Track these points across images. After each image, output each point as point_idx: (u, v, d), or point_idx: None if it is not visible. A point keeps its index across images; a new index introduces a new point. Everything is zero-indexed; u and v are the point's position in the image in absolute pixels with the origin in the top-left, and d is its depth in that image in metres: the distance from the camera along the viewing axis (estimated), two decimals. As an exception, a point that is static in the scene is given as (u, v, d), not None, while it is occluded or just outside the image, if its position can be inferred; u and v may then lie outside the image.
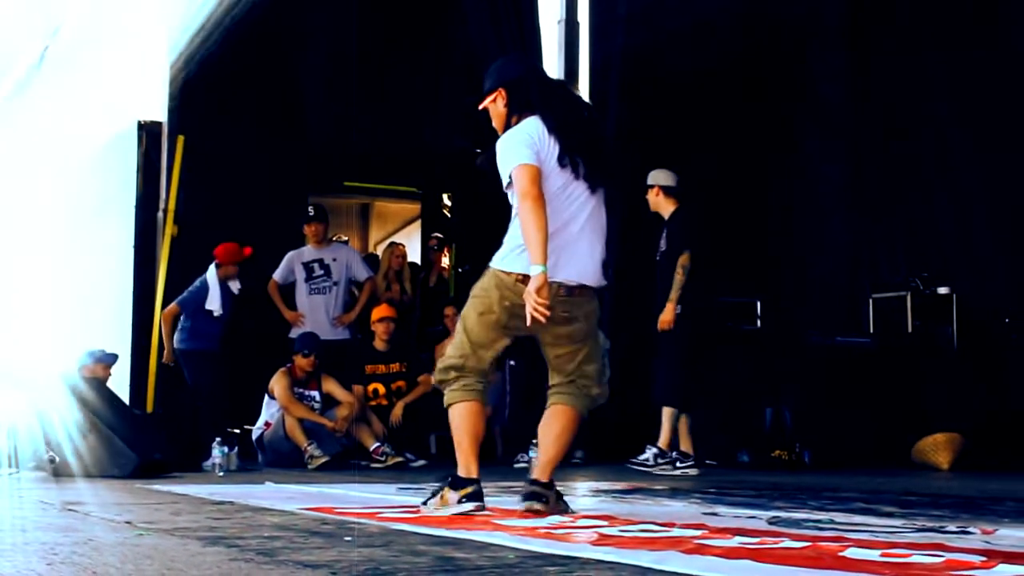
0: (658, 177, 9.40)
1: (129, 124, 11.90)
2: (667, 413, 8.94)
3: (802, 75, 12.72)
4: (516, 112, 5.07)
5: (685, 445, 9.00)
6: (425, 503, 5.07)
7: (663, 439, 8.91)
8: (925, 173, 11.57)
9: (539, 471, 5.01)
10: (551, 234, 4.76)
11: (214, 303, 10.24)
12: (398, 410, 10.14)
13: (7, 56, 13.70)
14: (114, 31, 11.26)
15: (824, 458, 10.03)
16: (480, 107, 5.21)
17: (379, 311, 10.57)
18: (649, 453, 8.90)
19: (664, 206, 9.27)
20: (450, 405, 5.02)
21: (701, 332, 9.24)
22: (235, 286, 10.41)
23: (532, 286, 4.64)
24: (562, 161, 4.89)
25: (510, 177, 4.84)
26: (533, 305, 4.62)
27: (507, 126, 5.06)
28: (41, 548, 3.55)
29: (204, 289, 10.25)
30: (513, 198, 4.92)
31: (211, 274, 10.28)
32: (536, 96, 5.06)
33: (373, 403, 10.20)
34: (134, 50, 12.66)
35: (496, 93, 5.14)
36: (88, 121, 14.06)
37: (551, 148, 4.90)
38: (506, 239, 4.96)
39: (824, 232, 12.50)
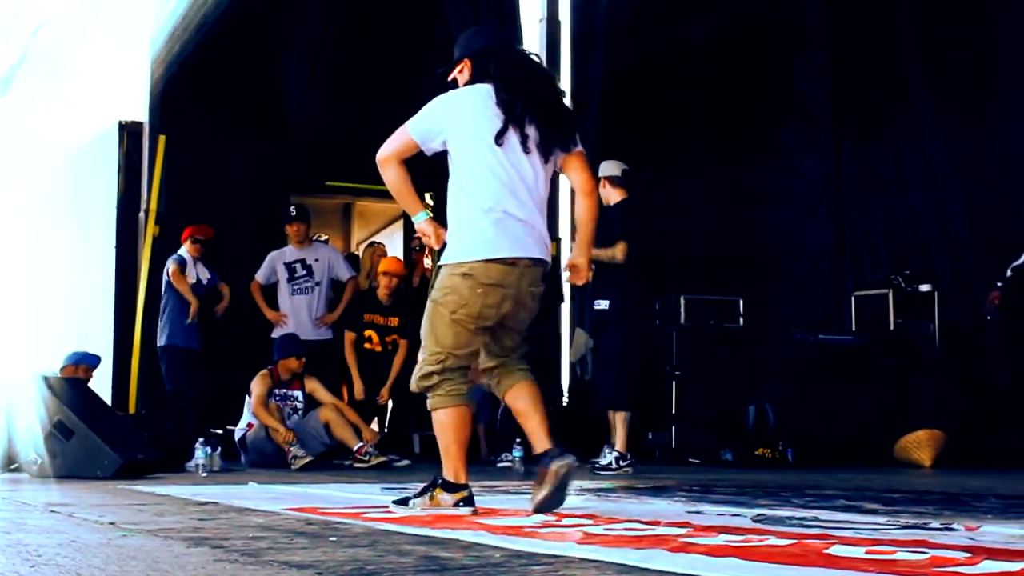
0: (604, 168, 9.42)
1: (110, 124, 11.88)
2: (619, 417, 8.94)
3: (782, 72, 12.74)
4: (479, 82, 5.03)
5: (623, 445, 8.99)
6: (405, 502, 5.02)
7: (620, 443, 8.91)
8: (906, 171, 11.61)
9: (543, 441, 4.97)
10: (492, 207, 4.84)
11: (190, 270, 10.25)
12: (385, 392, 10.30)
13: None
14: (95, 31, 11.21)
15: (807, 456, 10.06)
16: (448, 78, 5.18)
17: (385, 263, 10.66)
18: (610, 457, 8.90)
19: (615, 196, 9.23)
20: (435, 410, 4.96)
21: (639, 332, 9.27)
22: (203, 274, 10.39)
23: (429, 228, 5.01)
24: (499, 138, 4.87)
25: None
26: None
27: None
28: (24, 550, 3.53)
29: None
30: (448, 153, 5.02)
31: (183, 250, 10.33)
32: (494, 66, 5.01)
33: (367, 347, 10.30)
34: (115, 50, 12.63)
35: (463, 63, 5.12)
36: (69, 121, 14.02)
37: (491, 119, 4.89)
38: (450, 233, 5.00)
39: (806, 230, 12.54)
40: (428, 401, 4.99)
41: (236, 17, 11.84)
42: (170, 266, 10.29)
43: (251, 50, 11.88)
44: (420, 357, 5.01)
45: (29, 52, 12.23)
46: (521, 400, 5.06)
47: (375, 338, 10.35)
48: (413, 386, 5.04)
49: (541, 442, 4.96)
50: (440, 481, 5.01)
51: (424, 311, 5.02)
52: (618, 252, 8.87)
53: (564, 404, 12.00)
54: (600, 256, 8.70)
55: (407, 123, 5.00)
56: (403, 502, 5.06)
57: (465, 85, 5.07)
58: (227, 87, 11.66)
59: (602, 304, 9.02)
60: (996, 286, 10.11)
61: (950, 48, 11.12)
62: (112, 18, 11.92)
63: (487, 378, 5.17)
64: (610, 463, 8.85)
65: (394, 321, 10.43)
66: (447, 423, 4.95)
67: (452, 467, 4.98)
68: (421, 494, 5.03)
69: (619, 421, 8.93)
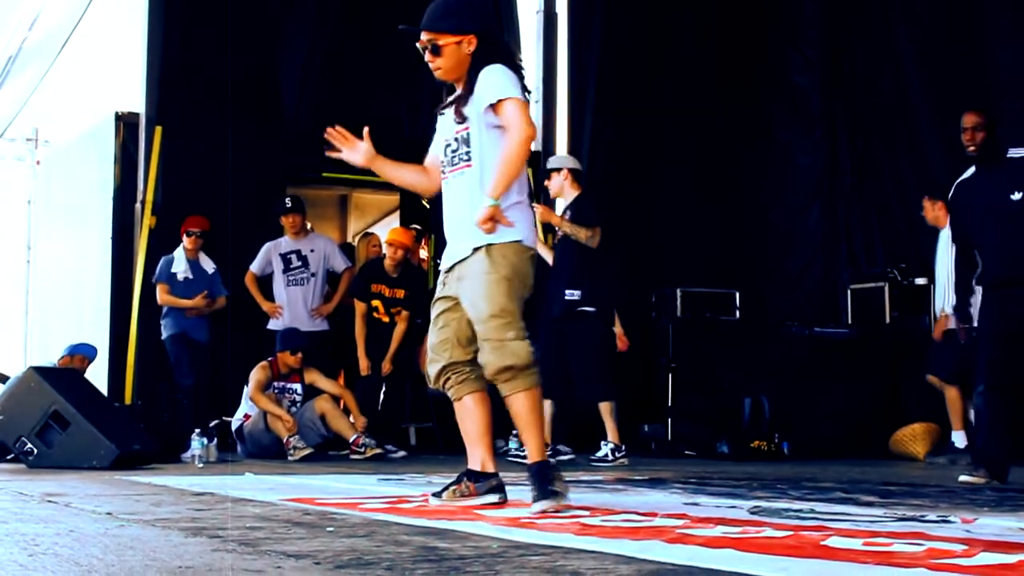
0: (566, 161, 9.43)
1: (106, 115, 11.86)
2: (606, 409, 8.95)
3: (777, 66, 12.75)
4: (484, 65, 4.79)
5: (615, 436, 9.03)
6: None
7: (611, 434, 8.94)
8: (901, 164, 11.62)
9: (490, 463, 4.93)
10: (524, 200, 4.77)
11: (179, 265, 10.25)
12: (387, 364, 10.23)
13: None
14: (92, 23, 11.21)
15: (802, 448, 10.08)
16: (440, 43, 4.80)
17: (392, 233, 10.71)
18: (606, 449, 8.93)
19: (570, 191, 9.22)
20: (530, 389, 4.66)
21: (611, 325, 9.32)
22: (208, 265, 10.40)
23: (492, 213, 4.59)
24: None
25: (493, 103, 4.67)
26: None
27: (469, 76, 4.79)
28: (22, 539, 3.54)
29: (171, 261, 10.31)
30: (483, 122, 4.74)
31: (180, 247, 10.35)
32: (506, 57, 4.85)
33: (374, 316, 10.32)
34: (111, 41, 12.63)
35: (467, 37, 4.81)
36: (65, 112, 14.02)
37: None
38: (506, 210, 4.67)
39: (802, 223, 12.56)
40: (529, 380, 4.67)
41: (233, 7, 11.84)
42: (157, 290, 10.37)
43: (248, 41, 11.86)
44: (507, 334, 4.62)
45: (25, 44, 12.22)
46: (484, 411, 4.92)
47: (381, 308, 10.33)
48: (510, 362, 4.62)
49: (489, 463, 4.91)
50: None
51: (476, 285, 4.70)
52: (593, 237, 8.87)
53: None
54: (575, 233, 8.78)
55: (513, 93, 4.68)
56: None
57: (462, 59, 4.79)
58: (224, 78, 11.62)
59: (574, 294, 9.00)
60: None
61: (944, 41, 11.13)
62: (108, 10, 11.91)
63: (452, 373, 4.89)
64: (606, 455, 8.88)
65: (400, 293, 10.39)
66: (539, 400, 4.73)
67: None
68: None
69: (605, 412, 8.95)
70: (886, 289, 10.83)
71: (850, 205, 12.32)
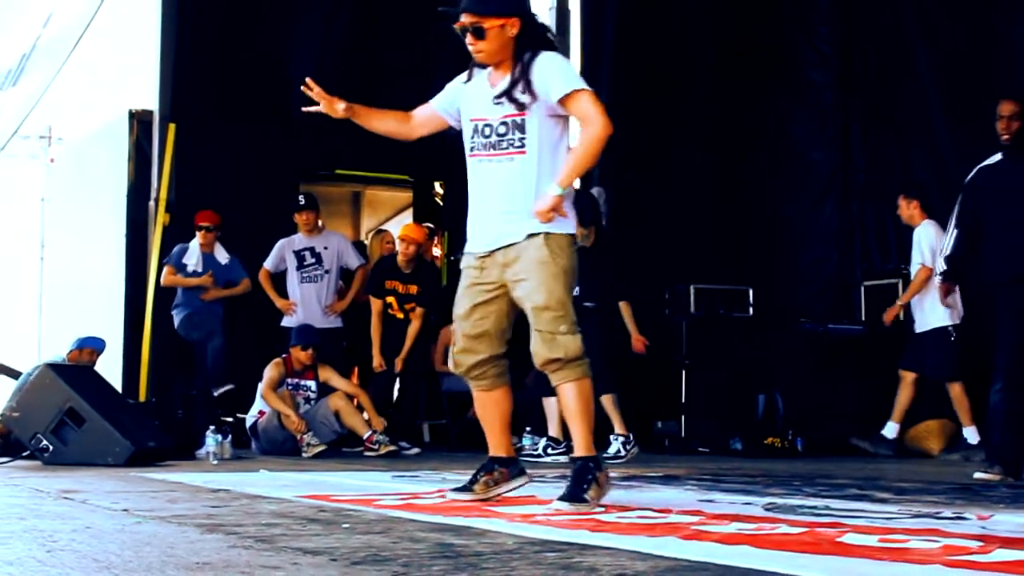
0: None
1: (120, 112, 11.89)
2: (608, 401, 8.95)
3: (790, 61, 12.73)
4: (531, 48, 4.77)
5: (557, 431, 9.02)
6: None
7: (618, 426, 8.97)
8: (915, 159, 11.58)
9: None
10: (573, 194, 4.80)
11: (192, 257, 10.27)
12: (399, 362, 10.23)
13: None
14: (105, 20, 11.22)
15: (816, 445, 10.06)
16: (485, 26, 4.71)
17: (404, 228, 10.74)
18: (617, 444, 8.95)
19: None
20: (581, 379, 4.70)
21: (608, 321, 9.34)
22: (222, 256, 10.43)
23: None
24: None
25: (567, 94, 4.67)
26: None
27: (516, 59, 4.75)
28: (40, 535, 3.56)
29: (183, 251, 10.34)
30: (542, 110, 4.73)
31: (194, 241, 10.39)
32: (546, 40, 4.85)
33: (389, 312, 10.32)
34: (125, 39, 12.65)
35: (510, 20, 4.74)
36: (79, 110, 14.05)
37: None
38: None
39: (815, 219, 12.53)
40: (578, 371, 4.71)
41: (246, 5, 11.86)
42: (163, 272, 10.41)
43: (260, 38, 11.89)
44: (560, 328, 4.67)
45: (40, 42, 12.24)
46: (509, 404, 5.01)
47: (395, 304, 10.33)
48: (559, 355, 4.66)
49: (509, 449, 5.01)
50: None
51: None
52: (588, 236, 8.91)
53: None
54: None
55: (584, 84, 4.70)
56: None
57: (505, 42, 4.74)
58: (237, 75, 11.67)
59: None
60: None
61: (959, 37, 11.09)
62: (122, 7, 11.93)
63: (489, 366, 4.91)
64: (618, 451, 8.89)
65: (413, 288, 10.38)
66: (588, 392, 4.75)
67: (586, 439, 4.77)
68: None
69: (609, 405, 8.95)
70: (900, 285, 10.78)
71: (863, 201, 12.28)
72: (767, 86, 12.74)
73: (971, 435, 9.42)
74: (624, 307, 9.56)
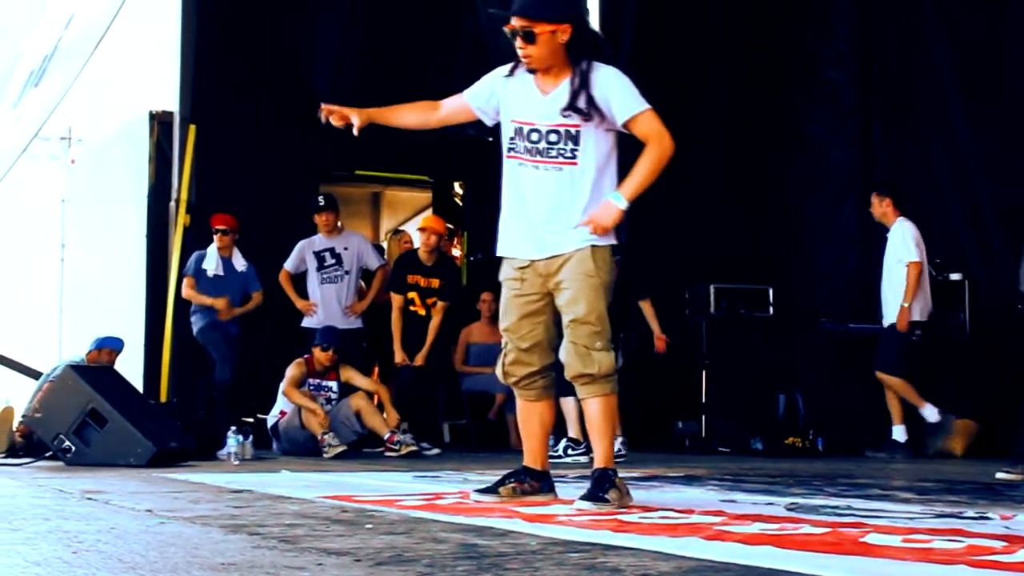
0: None
1: (141, 114, 11.93)
2: (568, 404, 8.98)
3: (809, 60, 12.69)
4: (585, 55, 4.77)
5: (577, 431, 9.03)
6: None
7: (616, 428, 8.97)
8: (935, 159, 11.54)
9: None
10: None
11: (210, 263, 10.30)
12: (420, 358, 10.24)
13: (22, 47, 13.74)
14: (126, 21, 11.25)
15: (837, 445, 10.05)
16: (536, 31, 4.67)
17: (424, 220, 10.75)
18: (616, 443, 8.96)
19: None
20: (614, 394, 4.80)
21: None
22: (239, 263, 10.44)
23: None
24: None
25: (631, 116, 4.74)
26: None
27: (573, 67, 4.75)
28: (65, 536, 3.57)
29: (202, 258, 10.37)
30: (595, 126, 4.75)
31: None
32: (598, 47, 4.87)
33: (411, 309, 10.32)
34: (146, 40, 12.68)
35: (562, 26, 4.70)
36: (99, 111, 14.09)
37: None
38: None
39: (835, 218, 12.51)
40: (607, 387, 4.78)
41: (266, 5, 11.89)
42: (183, 284, 10.44)
43: (280, 39, 11.92)
44: (596, 344, 4.70)
45: (61, 43, 12.29)
46: (552, 416, 5.07)
47: (417, 300, 10.32)
48: (592, 371, 4.71)
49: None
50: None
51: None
52: None
53: None
54: None
55: (645, 103, 4.79)
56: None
57: (556, 48, 4.72)
58: (257, 77, 11.70)
59: None
60: None
61: (979, 35, 11.05)
62: (142, 8, 11.96)
63: (540, 377, 4.94)
64: (619, 450, 8.93)
65: (435, 282, 10.37)
66: (614, 408, 4.81)
67: (607, 452, 4.82)
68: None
69: (570, 408, 8.95)
70: (921, 284, 10.76)
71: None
72: (786, 85, 12.71)
73: (899, 433, 9.65)
74: (646, 306, 9.55)
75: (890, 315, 9.87)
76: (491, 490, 4.89)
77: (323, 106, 5.16)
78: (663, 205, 12.12)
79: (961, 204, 11.14)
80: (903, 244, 9.82)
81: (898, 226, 9.89)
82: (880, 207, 10.06)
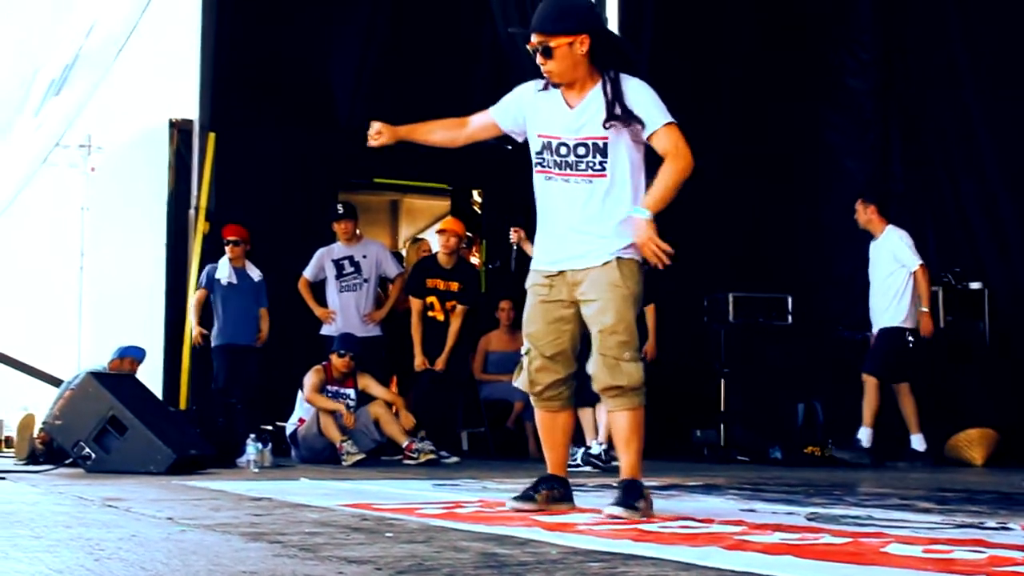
0: None
1: (161, 122, 11.97)
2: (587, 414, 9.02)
3: (828, 69, 12.68)
4: (607, 66, 4.78)
5: (604, 437, 9.06)
6: (528, 498, 4.87)
7: (603, 435, 9.01)
8: (955, 168, 11.51)
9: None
10: None
11: (223, 272, 10.34)
12: (440, 362, 10.25)
13: (42, 56, 13.79)
14: (146, 30, 11.30)
15: (856, 454, 10.01)
16: (552, 45, 4.69)
17: (444, 222, 10.75)
18: (596, 446, 9.03)
19: None
20: (642, 408, 4.78)
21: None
22: (254, 273, 10.47)
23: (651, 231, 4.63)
24: None
25: (655, 129, 4.74)
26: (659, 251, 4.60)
27: (601, 78, 4.76)
28: (87, 544, 3.58)
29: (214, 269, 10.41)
30: (627, 137, 4.76)
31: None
32: (621, 55, 4.88)
33: (430, 314, 10.33)
34: (165, 49, 12.73)
35: (579, 37, 4.71)
36: (119, 118, 14.14)
37: None
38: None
39: (854, 226, 12.48)
40: (635, 400, 4.76)
41: (285, 14, 11.92)
42: (191, 299, 10.52)
43: (300, 48, 11.96)
44: (624, 354, 4.69)
45: (82, 52, 12.34)
46: (572, 424, 5.10)
47: (436, 304, 10.30)
48: (622, 383, 4.70)
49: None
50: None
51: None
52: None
53: None
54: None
55: (670, 116, 4.79)
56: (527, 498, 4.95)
57: (577, 60, 4.73)
58: (276, 84, 11.74)
59: None
60: None
61: (1000, 45, 11.03)
62: (162, 17, 12.01)
63: (564, 386, 4.92)
64: (599, 454, 8.96)
65: (455, 286, 10.36)
66: (641, 420, 4.78)
67: (633, 464, 4.80)
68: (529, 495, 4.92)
69: (599, 413, 8.96)
70: (940, 293, 10.73)
71: (903, 209, 12.21)
72: (806, 93, 12.70)
73: (864, 437, 9.79)
74: (649, 311, 9.52)
75: (881, 321, 9.89)
76: (527, 497, 4.87)
77: (373, 126, 5.14)
78: (680, 212, 12.14)
79: (981, 214, 11.12)
80: (903, 252, 9.82)
81: (892, 233, 9.92)
82: (865, 214, 10.10)
